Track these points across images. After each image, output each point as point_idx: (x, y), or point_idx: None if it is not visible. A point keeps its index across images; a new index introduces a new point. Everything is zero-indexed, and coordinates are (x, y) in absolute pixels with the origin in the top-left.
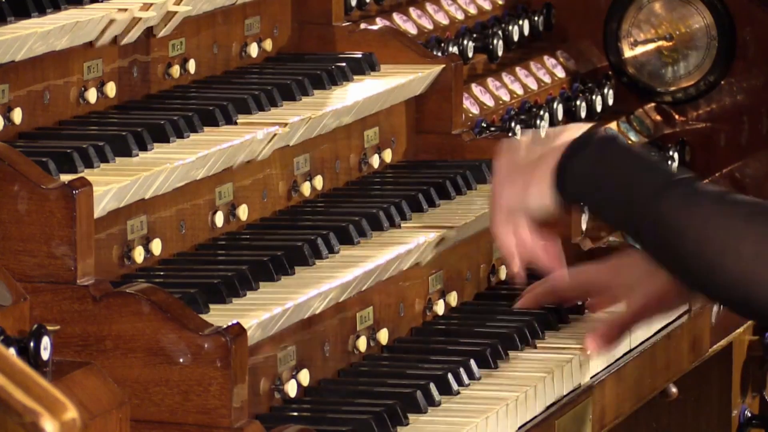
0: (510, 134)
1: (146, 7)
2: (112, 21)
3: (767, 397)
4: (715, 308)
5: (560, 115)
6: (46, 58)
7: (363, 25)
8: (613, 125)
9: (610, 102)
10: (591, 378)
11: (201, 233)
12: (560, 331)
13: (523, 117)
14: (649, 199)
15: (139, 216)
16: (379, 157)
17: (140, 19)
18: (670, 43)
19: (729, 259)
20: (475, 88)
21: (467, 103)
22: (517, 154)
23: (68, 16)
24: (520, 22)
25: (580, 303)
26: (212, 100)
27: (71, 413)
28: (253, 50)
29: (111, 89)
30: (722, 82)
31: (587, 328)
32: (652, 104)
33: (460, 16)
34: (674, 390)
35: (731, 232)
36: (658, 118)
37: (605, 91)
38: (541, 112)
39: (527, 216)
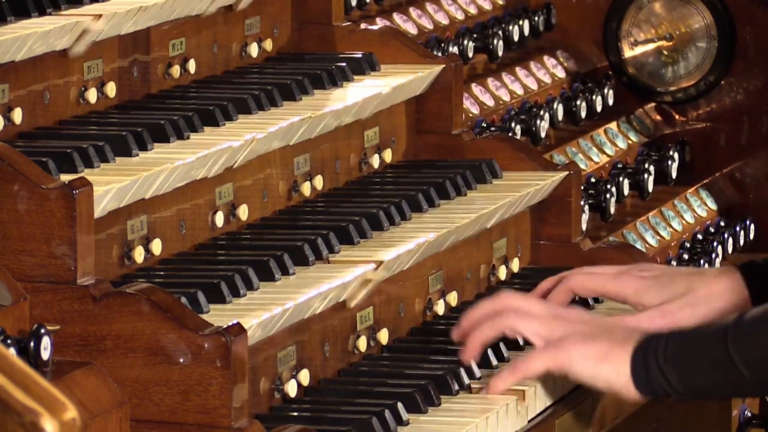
0: (510, 134)
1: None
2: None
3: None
4: None
5: (560, 115)
6: (46, 58)
7: (363, 25)
8: (613, 125)
9: (610, 102)
10: None
11: (201, 233)
12: None
13: (523, 117)
14: (721, 355)
15: (139, 216)
16: (379, 157)
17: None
18: (670, 43)
19: None
20: (475, 88)
21: (467, 103)
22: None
23: (68, 16)
24: (520, 22)
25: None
26: (212, 100)
27: (71, 413)
28: (253, 50)
29: (111, 89)
30: (722, 82)
31: None
32: (652, 104)
33: (460, 16)
34: None
35: None
36: (658, 118)
37: (605, 91)
38: (541, 112)
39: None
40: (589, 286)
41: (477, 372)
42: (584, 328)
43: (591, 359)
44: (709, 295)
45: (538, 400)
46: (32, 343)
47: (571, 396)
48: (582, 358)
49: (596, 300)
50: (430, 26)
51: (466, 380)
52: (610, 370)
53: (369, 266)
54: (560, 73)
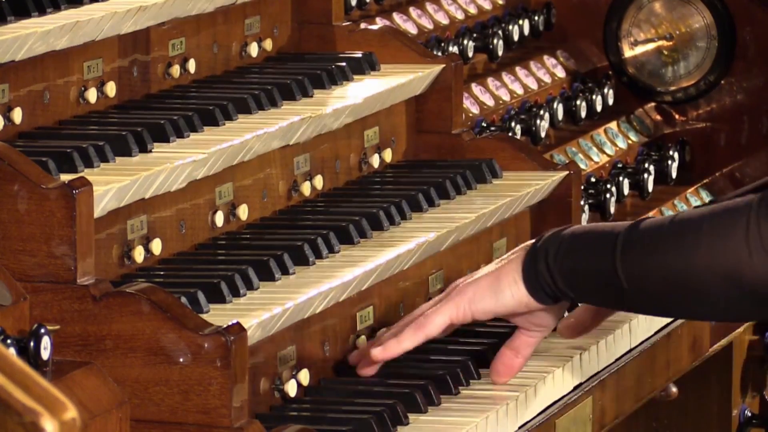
0: (510, 134)
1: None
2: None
3: (767, 396)
4: None
5: (560, 115)
6: (46, 58)
7: (363, 25)
8: (613, 125)
9: (610, 102)
10: (591, 377)
11: (201, 233)
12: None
13: (523, 117)
14: (611, 271)
15: (139, 216)
16: (379, 156)
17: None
18: (670, 43)
19: (695, 272)
20: (475, 88)
21: (467, 103)
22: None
23: (68, 15)
24: (520, 22)
25: None
26: (212, 100)
27: (71, 413)
28: (253, 50)
29: (111, 89)
30: (722, 82)
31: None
32: (652, 104)
33: (460, 15)
34: (674, 390)
35: (684, 251)
36: (658, 117)
37: (605, 90)
38: (541, 112)
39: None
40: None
41: (477, 372)
42: (469, 279)
43: (488, 290)
44: None
45: (538, 400)
46: (32, 343)
47: (571, 396)
48: (480, 293)
49: None
50: (430, 26)
51: (467, 380)
52: (507, 289)
53: (369, 266)
54: (560, 73)
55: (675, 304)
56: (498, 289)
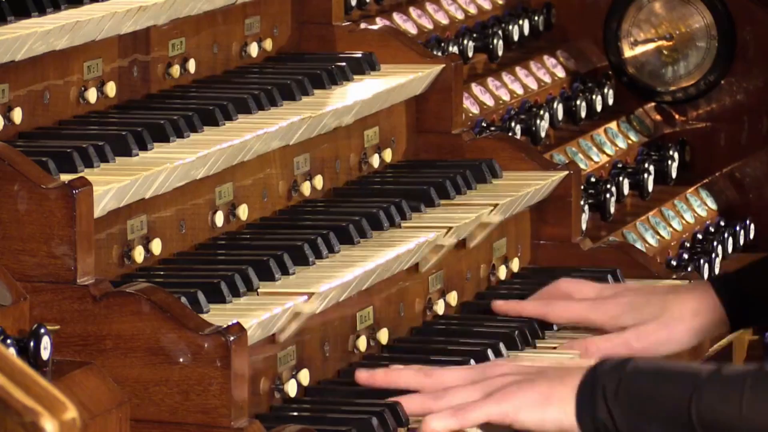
0: (510, 134)
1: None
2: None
3: None
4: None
5: (560, 115)
6: (46, 58)
7: (363, 25)
8: (613, 125)
9: (610, 102)
10: None
11: (201, 233)
12: (560, 331)
13: (523, 117)
14: (681, 409)
15: (139, 216)
16: (379, 156)
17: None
18: (670, 43)
19: None
20: (475, 88)
21: (467, 103)
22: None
23: (68, 15)
24: (520, 22)
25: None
26: (212, 100)
27: (71, 413)
28: (253, 50)
29: (111, 89)
30: (722, 82)
31: (586, 331)
32: (652, 104)
33: (460, 15)
34: None
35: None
36: (658, 117)
37: (605, 90)
38: (541, 112)
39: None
40: (565, 317)
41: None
42: (517, 378)
43: (535, 406)
44: (683, 314)
45: None
46: (32, 343)
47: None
48: (527, 407)
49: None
50: (430, 26)
51: None
52: (556, 411)
53: (369, 266)
54: (560, 73)
55: None
56: (546, 409)
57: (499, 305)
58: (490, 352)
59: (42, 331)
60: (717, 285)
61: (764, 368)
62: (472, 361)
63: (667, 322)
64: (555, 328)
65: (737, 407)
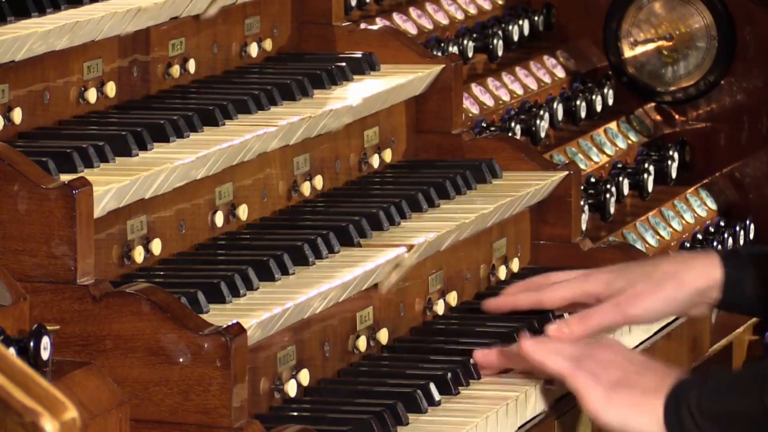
0: (510, 134)
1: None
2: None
3: None
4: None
5: (560, 115)
6: (46, 58)
7: (363, 25)
8: (612, 125)
9: (610, 102)
10: None
11: (201, 233)
12: None
13: (523, 117)
14: (761, 412)
15: (139, 216)
16: (379, 157)
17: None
18: (670, 43)
19: None
20: (475, 88)
21: (467, 103)
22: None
23: (68, 15)
24: (520, 22)
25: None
26: (212, 100)
27: (71, 413)
28: (253, 50)
29: (111, 89)
30: (722, 82)
31: None
32: (652, 104)
33: (460, 16)
34: None
35: None
36: (658, 117)
37: (605, 91)
38: (541, 112)
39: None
40: (559, 296)
41: (477, 372)
42: (617, 373)
43: (623, 408)
44: (677, 269)
45: (538, 400)
46: (32, 343)
47: (570, 396)
48: (616, 404)
49: None
50: (429, 26)
51: (466, 380)
52: (642, 420)
53: (369, 266)
54: (560, 73)
55: None
56: (632, 413)
57: (490, 303)
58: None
59: (42, 331)
60: (724, 251)
61: None
62: (473, 361)
63: (658, 280)
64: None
65: None
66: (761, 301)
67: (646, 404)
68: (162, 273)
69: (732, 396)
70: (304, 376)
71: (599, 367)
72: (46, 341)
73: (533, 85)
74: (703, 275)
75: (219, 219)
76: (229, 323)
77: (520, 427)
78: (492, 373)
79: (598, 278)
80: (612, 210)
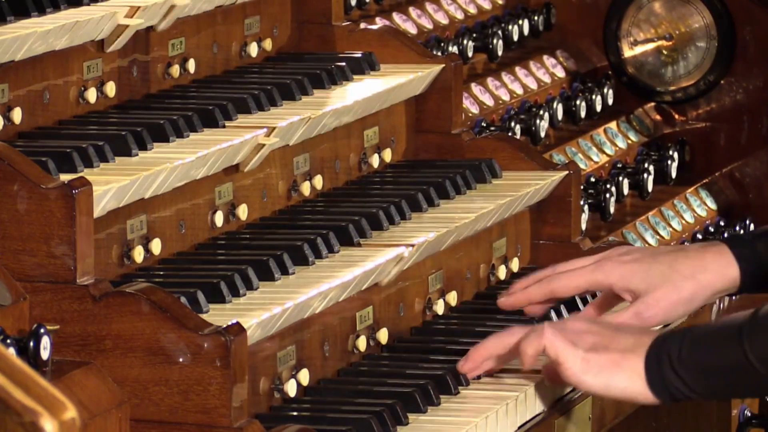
0: (510, 134)
1: (133, 11)
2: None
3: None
4: (715, 307)
5: (560, 115)
6: (46, 58)
7: (363, 25)
8: (612, 125)
9: (610, 102)
10: None
11: (201, 233)
12: None
13: (522, 117)
14: (737, 354)
15: (138, 216)
16: (379, 156)
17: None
18: (670, 43)
19: None
20: (475, 88)
21: (467, 103)
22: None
23: (68, 15)
24: (520, 22)
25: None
26: (212, 100)
27: (71, 413)
28: (253, 50)
29: (111, 89)
30: (722, 82)
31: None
32: (652, 104)
33: (459, 15)
34: None
35: None
36: (658, 117)
37: (605, 90)
38: (541, 112)
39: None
40: (573, 285)
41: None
42: (593, 338)
43: (603, 369)
44: (694, 271)
45: (538, 400)
46: (32, 343)
47: (571, 396)
48: (595, 367)
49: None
50: (429, 26)
51: (466, 380)
52: (623, 377)
53: (369, 266)
54: (560, 73)
55: None
56: (613, 374)
57: (505, 301)
58: None
59: (42, 331)
60: (732, 243)
61: None
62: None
63: (677, 283)
64: None
65: None
66: None
67: (627, 363)
68: (162, 273)
69: (712, 348)
70: (304, 376)
71: (574, 335)
72: (45, 341)
73: (533, 84)
74: (719, 277)
75: (219, 219)
76: (229, 323)
77: (519, 427)
78: (479, 372)
79: (611, 271)
80: (612, 210)
